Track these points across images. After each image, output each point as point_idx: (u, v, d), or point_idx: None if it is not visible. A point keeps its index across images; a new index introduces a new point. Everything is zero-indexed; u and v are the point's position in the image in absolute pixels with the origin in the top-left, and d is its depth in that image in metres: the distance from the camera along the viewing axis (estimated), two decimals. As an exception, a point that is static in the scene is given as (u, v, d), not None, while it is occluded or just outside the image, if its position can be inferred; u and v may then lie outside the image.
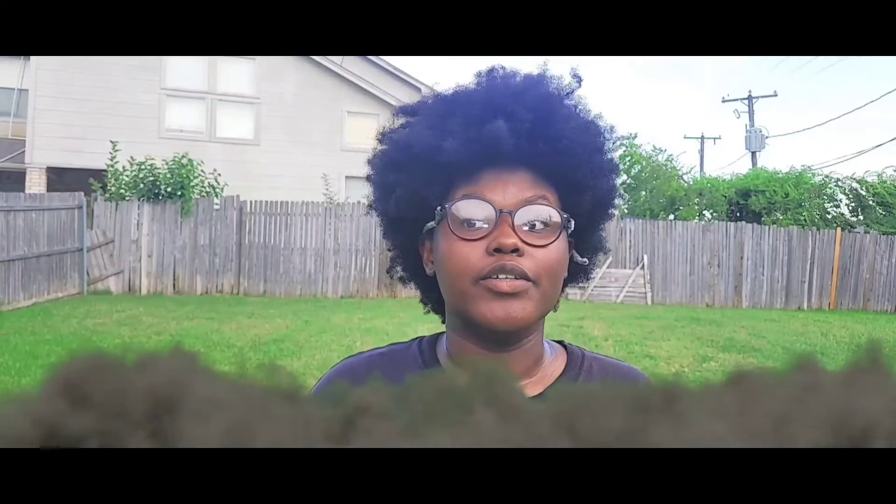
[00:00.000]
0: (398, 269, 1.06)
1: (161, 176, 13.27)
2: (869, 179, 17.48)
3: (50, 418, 0.21)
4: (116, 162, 13.43)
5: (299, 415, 0.22)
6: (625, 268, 15.22)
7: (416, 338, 1.06)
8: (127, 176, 13.38)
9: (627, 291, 15.00)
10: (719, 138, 37.38)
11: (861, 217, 17.38)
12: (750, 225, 15.82)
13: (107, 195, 13.28)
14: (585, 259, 1.03)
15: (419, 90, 21.23)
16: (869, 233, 15.91)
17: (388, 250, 1.08)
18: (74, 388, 0.22)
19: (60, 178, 15.68)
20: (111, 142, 13.60)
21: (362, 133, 17.61)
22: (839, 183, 17.93)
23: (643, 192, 28.20)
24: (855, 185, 17.66)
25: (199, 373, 0.23)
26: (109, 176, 13.39)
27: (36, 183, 15.28)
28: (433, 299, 1.04)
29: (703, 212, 20.70)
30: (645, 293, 15.10)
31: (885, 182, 17.25)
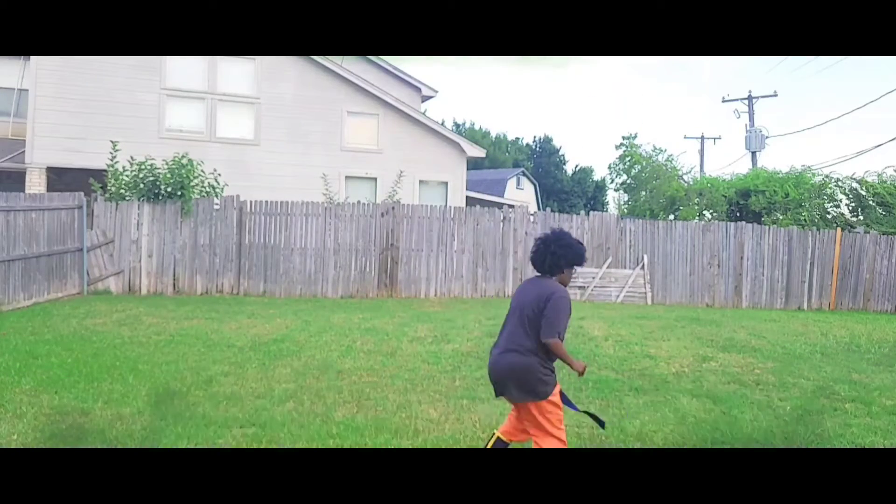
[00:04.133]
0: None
1: (161, 176, 13.27)
2: (869, 179, 17.47)
3: None
4: (116, 162, 13.42)
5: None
6: (625, 268, 15.22)
7: None
8: (127, 176, 13.37)
9: (627, 291, 15.00)
10: (719, 138, 37.44)
11: (861, 217, 17.38)
12: (750, 225, 15.82)
13: (107, 195, 13.28)
14: None
15: (419, 90, 21.24)
16: (869, 233, 15.91)
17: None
18: None
19: (60, 178, 15.68)
20: (111, 142, 13.60)
21: (362, 133, 17.62)
22: (839, 183, 17.93)
23: (643, 192, 28.23)
24: (855, 185, 17.66)
25: None
26: (109, 176, 13.39)
27: (36, 183, 15.27)
28: None
29: (703, 212, 20.71)
30: (645, 293, 15.10)
31: (885, 182, 17.24)
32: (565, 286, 4.03)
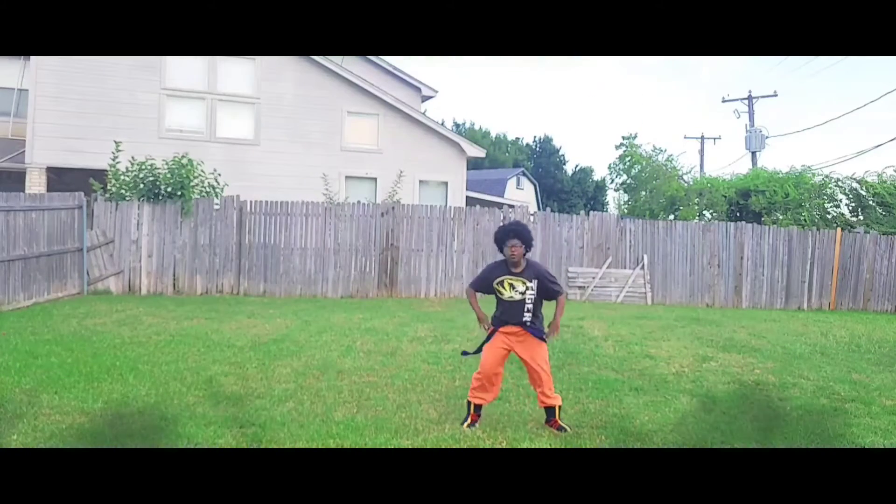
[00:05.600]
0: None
1: (161, 176, 13.27)
2: (869, 179, 17.47)
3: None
4: (118, 162, 13.43)
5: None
6: (625, 268, 15.22)
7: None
8: (127, 176, 13.37)
9: (627, 291, 15.00)
10: (719, 138, 37.39)
11: (861, 217, 17.38)
12: (750, 225, 15.82)
13: (107, 195, 13.28)
14: None
15: (419, 90, 21.24)
16: (869, 233, 15.90)
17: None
18: None
19: (60, 178, 15.68)
20: (115, 142, 13.60)
21: (362, 133, 17.61)
22: (839, 183, 17.93)
23: (643, 192, 28.23)
24: (855, 185, 17.66)
25: None
26: (110, 176, 13.39)
27: (36, 183, 15.27)
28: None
29: (703, 212, 20.71)
30: (645, 293, 15.10)
31: (885, 182, 17.24)
32: (508, 262, 5.18)
